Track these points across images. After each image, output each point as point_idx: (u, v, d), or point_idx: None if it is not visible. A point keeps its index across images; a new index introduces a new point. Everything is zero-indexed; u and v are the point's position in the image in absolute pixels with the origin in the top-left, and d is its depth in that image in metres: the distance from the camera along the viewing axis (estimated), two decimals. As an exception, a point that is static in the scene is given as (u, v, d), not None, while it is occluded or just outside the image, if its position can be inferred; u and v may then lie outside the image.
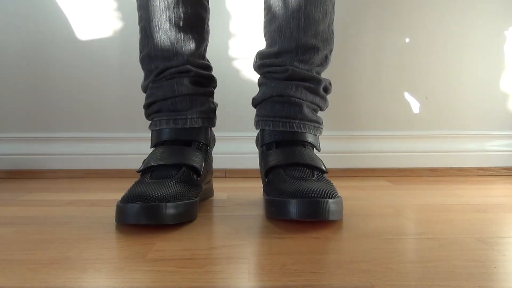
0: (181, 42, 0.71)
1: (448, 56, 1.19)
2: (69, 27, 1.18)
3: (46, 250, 0.49)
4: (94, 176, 1.15)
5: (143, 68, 0.74)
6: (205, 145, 0.73)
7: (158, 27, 0.70)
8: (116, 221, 0.59)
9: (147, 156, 0.69)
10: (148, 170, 0.66)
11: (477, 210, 0.69)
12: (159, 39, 0.70)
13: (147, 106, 0.73)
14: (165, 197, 0.57)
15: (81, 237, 0.54)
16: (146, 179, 0.64)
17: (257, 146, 0.76)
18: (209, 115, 0.74)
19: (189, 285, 0.39)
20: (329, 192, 0.57)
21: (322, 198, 0.56)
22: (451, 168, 1.17)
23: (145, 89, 0.75)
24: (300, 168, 0.66)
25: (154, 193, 0.57)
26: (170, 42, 0.70)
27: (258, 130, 0.75)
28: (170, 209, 0.56)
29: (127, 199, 0.57)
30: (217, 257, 0.46)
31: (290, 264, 0.43)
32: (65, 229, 0.59)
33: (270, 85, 0.72)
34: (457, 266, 0.43)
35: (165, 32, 0.70)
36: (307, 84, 0.71)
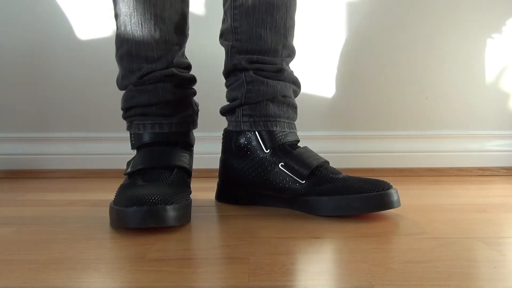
0: (165, 43, 0.68)
1: (448, 56, 1.19)
2: (69, 27, 1.18)
3: (46, 250, 0.49)
4: (94, 176, 1.15)
5: (121, 65, 0.71)
6: (190, 145, 0.73)
7: (142, 24, 0.67)
8: (114, 225, 0.58)
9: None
10: (138, 173, 0.65)
11: (477, 210, 0.69)
12: (141, 38, 0.67)
13: (127, 109, 0.71)
14: (167, 200, 0.56)
15: (81, 237, 0.54)
16: (138, 182, 0.62)
17: (251, 145, 0.71)
18: (193, 118, 0.74)
19: (189, 285, 0.39)
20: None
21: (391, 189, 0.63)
22: (451, 168, 1.17)
23: (123, 87, 0.72)
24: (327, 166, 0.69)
25: (156, 196, 0.55)
26: (155, 42, 0.67)
27: (245, 129, 0.71)
28: (173, 212, 0.55)
29: (127, 202, 0.55)
30: (217, 257, 0.46)
31: (290, 264, 0.43)
32: (65, 229, 0.59)
33: (268, 83, 0.70)
34: (457, 266, 0.43)
35: (149, 31, 0.67)
36: (293, 86, 0.75)
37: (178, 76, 0.70)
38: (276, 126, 0.70)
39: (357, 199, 0.62)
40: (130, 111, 0.71)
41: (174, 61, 0.70)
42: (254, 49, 0.70)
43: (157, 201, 0.54)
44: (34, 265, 0.44)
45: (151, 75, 0.68)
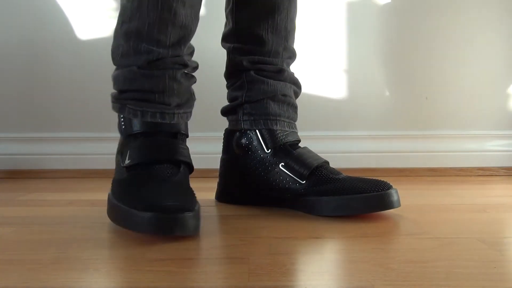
0: (181, 28, 0.62)
1: (448, 56, 1.19)
2: (69, 27, 1.18)
3: (46, 250, 0.49)
4: (94, 176, 1.15)
5: (124, 41, 0.62)
6: (187, 136, 0.68)
7: (160, 4, 0.59)
8: (118, 223, 0.55)
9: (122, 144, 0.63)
10: (139, 166, 0.59)
11: (477, 210, 0.69)
12: (157, 19, 0.60)
13: (123, 91, 0.64)
14: (187, 207, 0.52)
15: (81, 237, 0.54)
16: (144, 178, 0.57)
17: (251, 144, 0.71)
18: (191, 109, 0.69)
19: (189, 285, 0.39)
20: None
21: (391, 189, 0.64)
22: (451, 168, 1.17)
23: (122, 65, 0.64)
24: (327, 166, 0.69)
25: (175, 202, 0.52)
26: (171, 26, 0.61)
27: (245, 128, 0.71)
28: (193, 220, 0.52)
29: (140, 205, 0.51)
30: (217, 257, 0.46)
31: (290, 264, 0.43)
32: (65, 229, 0.59)
33: (269, 83, 0.71)
34: (457, 266, 0.43)
35: (167, 12, 0.59)
36: (294, 87, 0.75)
37: (187, 66, 0.65)
38: (276, 125, 0.70)
39: (357, 199, 0.62)
40: (126, 93, 0.63)
41: (186, 49, 0.65)
42: (255, 50, 0.71)
43: (177, 209, 0.51)
44: (34, 265, 0.44)
45: (161, 61, 0.62)
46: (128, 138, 0.64)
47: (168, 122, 0.64)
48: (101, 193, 0.89)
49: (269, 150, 0.69)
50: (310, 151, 0.71)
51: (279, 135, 0.70)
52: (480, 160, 1.18)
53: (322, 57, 1.18)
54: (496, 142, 1.20)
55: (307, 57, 1.16)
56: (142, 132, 0.63)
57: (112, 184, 0.61)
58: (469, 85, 1.19)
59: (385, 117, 1.20)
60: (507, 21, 1.18)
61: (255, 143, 0.70)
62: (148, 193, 0.54)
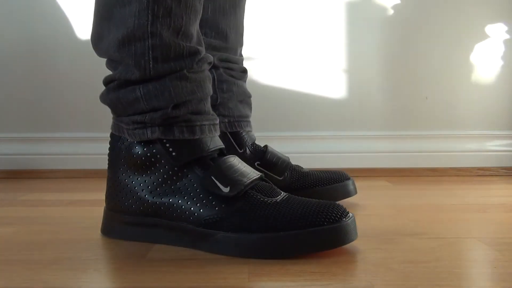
0: (201, 26, 0.54)
1: (448, 56, 1.19)
2: (69, 26, 1.18)
3: (46, 250, 0.49)
4: (94, 176, 1.15)
5: (165, 36, 0.49)
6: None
7: (191, 4, 0.50)
8: (340, 244, 0.46)
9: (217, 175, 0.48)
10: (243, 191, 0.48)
11: (477, 210, 0.69)
12: (190, 19, 0.50)
13: (179, 105, 0.50)
14: (346, 211, 0.48)
15: (81, 237, 0.54)
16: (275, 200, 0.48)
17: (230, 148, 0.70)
18: None
19: (189, 285, 0.39)
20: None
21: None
22: (451, 168, 1.17)
23: (164, 71, 0.50)
24: None
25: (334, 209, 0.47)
26: (199, 20, 0.53)
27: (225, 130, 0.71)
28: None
29: (335, 216, 0.46)
30: (217, 257, 0.46)
31: (290, 264, 0.43)
32: (65, 229, 0.59)
33: (238, 84, 0.72)
34: (457, 266, 0.43)
35: (194, 12, 0.51)
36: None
37: (212, 63, 0.56)
38: (247, 127, 0.73)
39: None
40: (183, 107, 0.50)
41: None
42: (220, 46, 0.69)
43: (346, 213, 0.47)
44: (34, 265, 0.44)
45: (202, 61, 0.52)
46: (190, 165, 0.50)
47: (218, 134, 0.54)
48: (101, 193, 0.89)
49: (242, 150, 0.71)
50: (273, 150, 0.74)
51: (245, 136, 0.72)
52: (480, 160, 1.18)
53: (322, 57, 1.18)
54: (496, 142, 1.20)
55: (307, 57, 1.16)
56: (220, 149, 0.53)
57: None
58: (469, 85, 1.19)
59: (385, 117, 1.20)
60: (506, 22, 1.18)
61: (226, 143, 0.69)
62: (309, 205, 0.47)
